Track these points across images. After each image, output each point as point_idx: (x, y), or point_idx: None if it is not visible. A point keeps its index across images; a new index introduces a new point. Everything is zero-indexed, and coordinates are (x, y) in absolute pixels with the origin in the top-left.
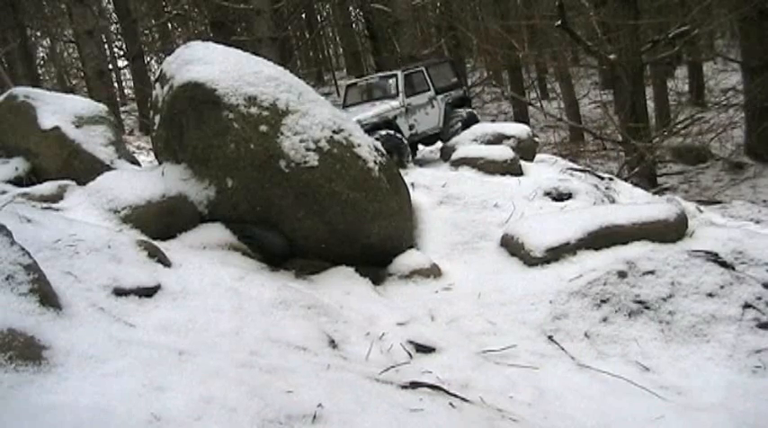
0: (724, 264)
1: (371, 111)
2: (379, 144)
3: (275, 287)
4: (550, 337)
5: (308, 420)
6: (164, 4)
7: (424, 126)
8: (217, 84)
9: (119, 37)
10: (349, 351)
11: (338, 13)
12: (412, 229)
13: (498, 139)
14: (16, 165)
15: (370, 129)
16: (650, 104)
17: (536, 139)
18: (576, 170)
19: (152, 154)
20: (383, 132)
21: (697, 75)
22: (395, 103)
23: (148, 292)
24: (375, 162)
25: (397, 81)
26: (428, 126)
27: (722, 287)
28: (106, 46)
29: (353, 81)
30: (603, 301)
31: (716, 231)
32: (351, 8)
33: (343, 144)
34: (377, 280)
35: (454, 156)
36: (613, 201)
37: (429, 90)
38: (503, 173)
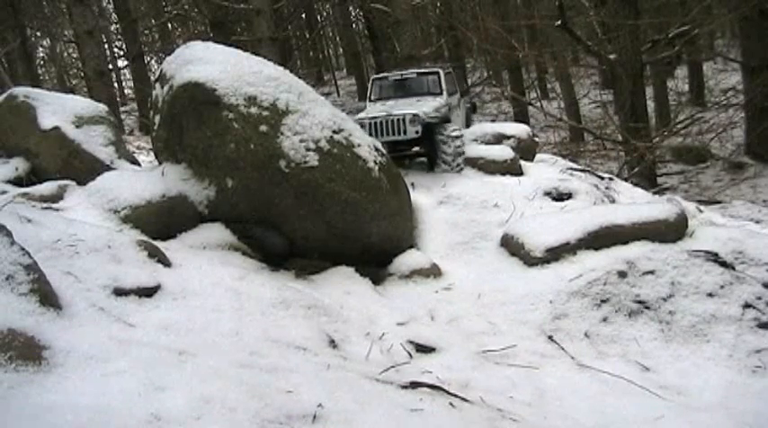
0: (724, 264)
1: (426, 106)
2: (379, 144)
3: (275, 287)
4: (550, 337)
5: (308, 420)
6: (164, 4)
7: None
8: (217, 84)
9: (119, 37)
10: (349, 351)
11: (338, 13)
12: (412, 229)
13: (498, 139)
14: (16, 165)
15: (437, 123)
16: (650, 104)
17: (536, 139)
18: (576, 170)
19: (152, 154)
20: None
21: (697, 75)
22: (441, 100)
23: (148, 292)
24: (375, 162)
25: (439, 78)
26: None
27: (722, 287)
28: (106, 46)
29: (383, 75)
30: (603, 301)
31: (716, 231)
32: (351, 8)
33: (343, 144)
34: (377, 280)
35: None
36: (613, 201)
37: (456, 92)
38: (503, 173)
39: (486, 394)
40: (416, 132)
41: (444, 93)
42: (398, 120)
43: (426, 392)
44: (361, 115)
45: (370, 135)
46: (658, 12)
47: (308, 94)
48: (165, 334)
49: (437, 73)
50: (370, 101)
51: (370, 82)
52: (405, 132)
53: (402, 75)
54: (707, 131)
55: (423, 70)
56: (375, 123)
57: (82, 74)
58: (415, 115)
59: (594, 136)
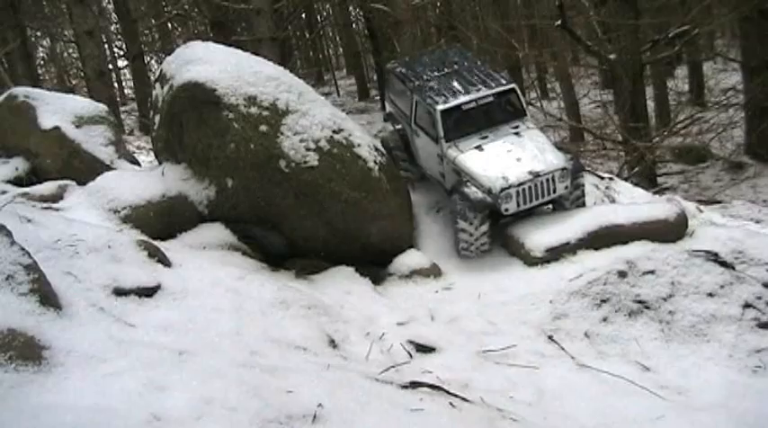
0: (724, 264)
1: (548, 149)
2: (379, 144)
3: (275, 287)
4: (550, 337)
5: (308, 420)
6: (164, 4)
7: None
8: (217, 83)
9: (119, 37)
10: (349, 350)
11: (338, 13)
12: (412, 229)
13: None
14: (16, 165)
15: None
16: (650, 104)
17: None
18: None
19: (152, 154)
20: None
21: (697, 75)
22: (533, 125)
23: (148, 292)
24: (375, 162)
25: (518, 96)
26: None
27: (722, 286)
28: (106, 46)
29: (455, 103)
30: (604, 301)
31: (716, 231)
32: (351, 8)
33: (343, 144)
34: (377, 279)
35: None
36: (613, 201)
37: None
38: None
39: (486, 394)
40: (565, 188)
41: (527, 113)
42: (548, 179)
43: (426, 392)
44: (488, 177)
45: (517, 205)
46: (658, 12)
47: (308, 94)
48: (165, 334)
49: (513, 89)
50: (448, 140)
51: (438, 115)
52: (554, 191)
53: (477, 101)
54: (707, 131)
55: (496, 89)
56: (524, 190)
57: (82, 74)
58: (564, 169)
59: (594, 136)
